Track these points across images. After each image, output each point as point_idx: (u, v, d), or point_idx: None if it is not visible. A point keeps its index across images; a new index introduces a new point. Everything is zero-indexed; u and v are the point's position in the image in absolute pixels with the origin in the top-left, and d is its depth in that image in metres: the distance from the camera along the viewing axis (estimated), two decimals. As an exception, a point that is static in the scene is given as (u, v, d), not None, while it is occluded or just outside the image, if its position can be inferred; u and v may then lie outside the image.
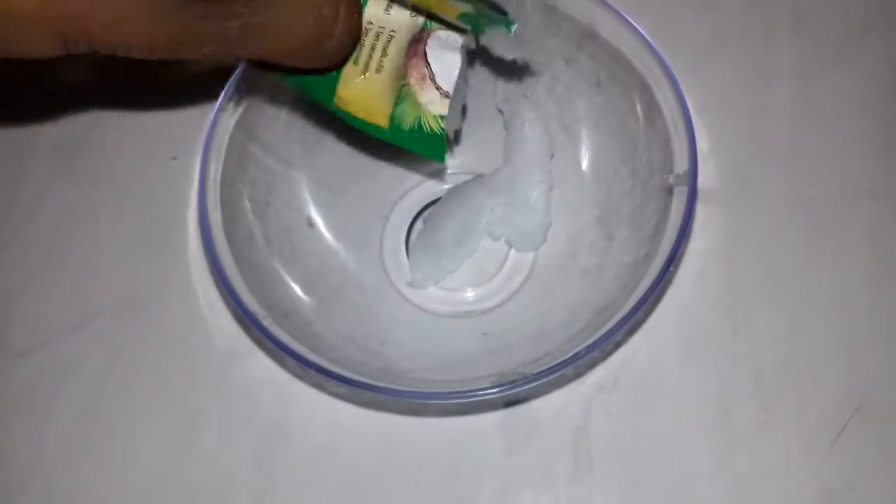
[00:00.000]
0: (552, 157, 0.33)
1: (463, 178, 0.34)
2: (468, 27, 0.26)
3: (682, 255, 0.33)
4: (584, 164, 0.33)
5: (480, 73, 0.33)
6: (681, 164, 0.27)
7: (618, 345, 0.32)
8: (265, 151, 0.30)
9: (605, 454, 0.30)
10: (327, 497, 0.30)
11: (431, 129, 0.27)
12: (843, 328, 0.31)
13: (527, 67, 0.32)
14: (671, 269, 0.25)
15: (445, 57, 0.26)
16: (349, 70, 0.26)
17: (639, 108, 0.29)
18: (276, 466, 0.31)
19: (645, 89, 0.28)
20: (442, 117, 0.27)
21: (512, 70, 0.33)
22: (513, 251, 0.33)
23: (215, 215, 0.27)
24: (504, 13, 0.27)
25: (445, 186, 0.34)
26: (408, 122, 0.27)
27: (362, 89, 0.26)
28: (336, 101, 0.26)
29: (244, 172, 0.29)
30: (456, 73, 0.26)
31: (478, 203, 0.33)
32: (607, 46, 0.29)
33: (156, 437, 0.31)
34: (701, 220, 0.33)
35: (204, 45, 0.20)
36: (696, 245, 0.33)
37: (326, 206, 0.33)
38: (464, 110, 0.31)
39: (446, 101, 0.26)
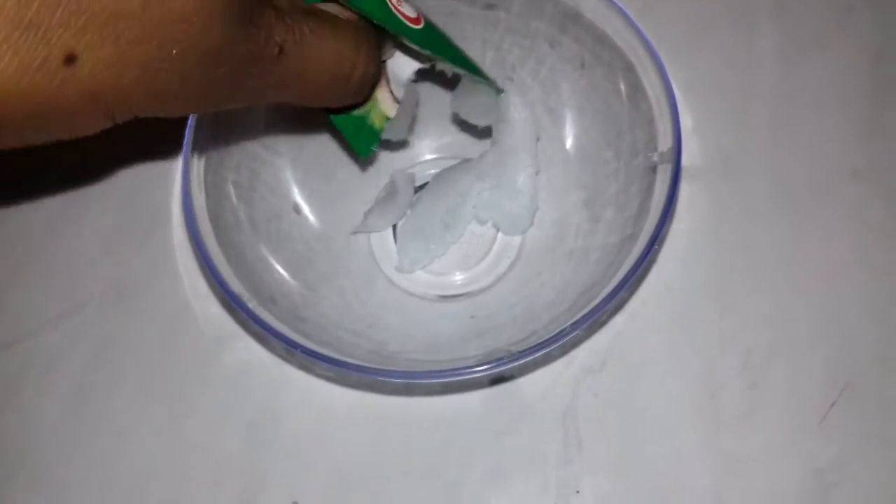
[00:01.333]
0: (538, 140, 0.33)
1: (450, 162, 0.34)
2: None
3: (667, 235, 0.33)
4: (570, 147, 0.33)
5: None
6: (664, 143, 0.27)
7: (605, 326, 0.32)
8: (250, 138, 0.30)
9: (594, 435, 0.30)
10: (316, 482, 0.30)
11: (373, 124, 0.27)
12: (829, 308, 0.32)
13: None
14: (655, 246, 0.25)
15: (403, 68, 0.27)
16: None
17: (623, 88, 0.29)
18: (264, 452, 0.31)
19: (629, 70, 0.28)
20: (387, 118, 0.27)
21: (497, 55, 0.33)
22: (500, 235, 0.33)
23: (199, 201, 0.27)
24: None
25: (433, 171, 0.34)
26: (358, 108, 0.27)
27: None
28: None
29: (229, 158, 0.29)
30: (408, 75, 0.27)
31: (464, 187, 0.33)
32: (591, 28, 0.29)
33: (145, 425, 0.31)
34: (687, 201, 0.33)
35: (236, 102, 0.21)
36: (682, 226, 0.33)
37: (313, 191, 0.33)
38: (411, 126, 0.32)
39: (395, 107, 0.27)
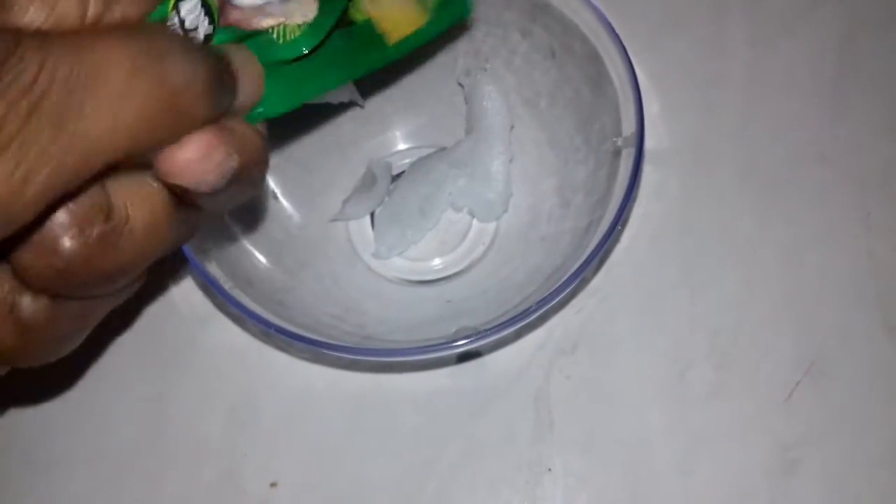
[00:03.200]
0: (512, 128, 0.33)
1: (426, 151, 0.35)
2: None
3: (637, 219, 0.33)
4: (543, 135, 0.33)
5: (440, 48, 0.34)
6: (628, 128, 0.27)
7: (577, 310, 0.32)
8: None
9: (565, 416, 0.31)
10: (294, 462, 0.31)
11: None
12: (794, 288, 0.32)
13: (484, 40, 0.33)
14: (619, 227, 0.26)
15: None
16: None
17: (591, 76, 0.30)
18: (244, 432, 0.31)
19: (596, 57, 0.29)
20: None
21: (470, 45, 0.33)
22: (475, 221, 0.34)
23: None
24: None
25: (409, 160, 0.35)
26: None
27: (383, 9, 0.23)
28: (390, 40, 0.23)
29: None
30: None
31: (440, 175, 0.33)
32: (560, 17, 0.30)
33: (128, 407, 0.32)
34: (656, 185, 0.34)
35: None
36: (651, 209, 0.34)
37: (291, 179, 0.33)
38: None
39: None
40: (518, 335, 0.32)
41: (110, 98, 0.14)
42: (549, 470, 0.30)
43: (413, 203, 0.33)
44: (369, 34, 0.23)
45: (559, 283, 0.25)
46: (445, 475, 0.30)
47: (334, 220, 0.34)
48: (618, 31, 0.29)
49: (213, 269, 0.27)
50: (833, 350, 0.31)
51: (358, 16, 0.23)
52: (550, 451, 0.31)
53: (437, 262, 0.34)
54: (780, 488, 0.30)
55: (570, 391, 0.31)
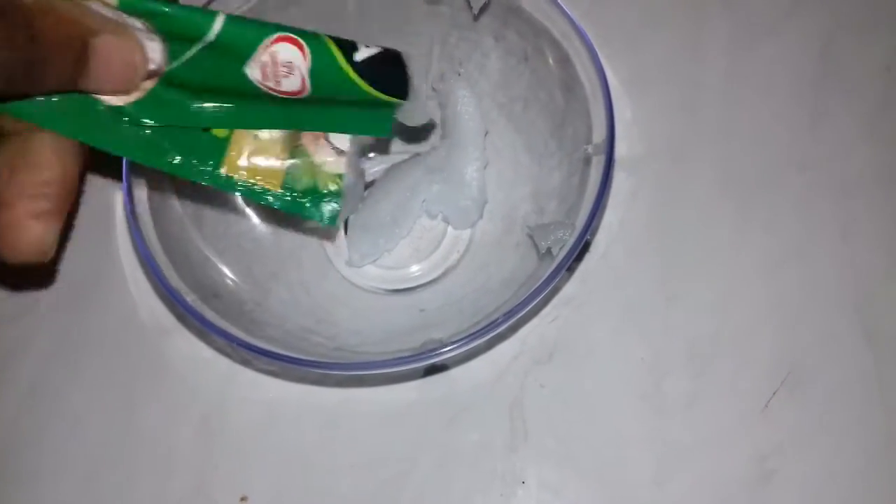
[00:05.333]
0: (486, 134, 0.33)
1: (401, 157, 0.34)
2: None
3: (612, 225, 0.33)
4: (518, 140, 0.33)
5: (414, 52, 0.33)
6: (599, 135, 0.27)
7: (553, 318, 0.32)
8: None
9: (540, 425, 0.31)
10: (264, 476, 0.30)
11: (329, 189, 0.26)
12: (773, 296, 0.32)
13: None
14: (588, 237, 0.25)
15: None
16: (238, 133, 0.24)
17: (563, 80, 0.29)
18: (214, 446, 0.31)
19: (567, 62, 0.29)
20: (341, 176, 0.26)
21: (444, 49, 0.33)
22: (450, 228, 0.34)
23: (141, 197, 0.27)
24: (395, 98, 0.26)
25: (383, 167, 0.34)
26: (302, 182, 0.25)
27: (256, 149, 0.25)
28: (226, 169, 0.24)
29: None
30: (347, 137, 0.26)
31: (413, 182, 0.33)
32: (532, 21, 0.30)
33: (98, 420, 0.31)
34: (632, 192, 0.34)
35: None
36: (627, 216, 0.33)
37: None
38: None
39: (342, 158, 0.26)
40: (492, 345, 0.31)
41: None
42: (523, 482, 0.30)
43: (386, 210, 0.33)
44: (214, 146, 0.24)
45: (527, 294, 0.25)
46: (419, 488, 0.30)
47: (306, 228, 0.33)
48: (594, 35, 0.28)
49: (177, 281, 0.26)
50: (811, 358, 0.31)
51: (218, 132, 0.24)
52: (525, 461, 0.30)
53: (411, 270, 0.33)
54: (756, 498, 0.29)
55: (546, 401, 0.31)
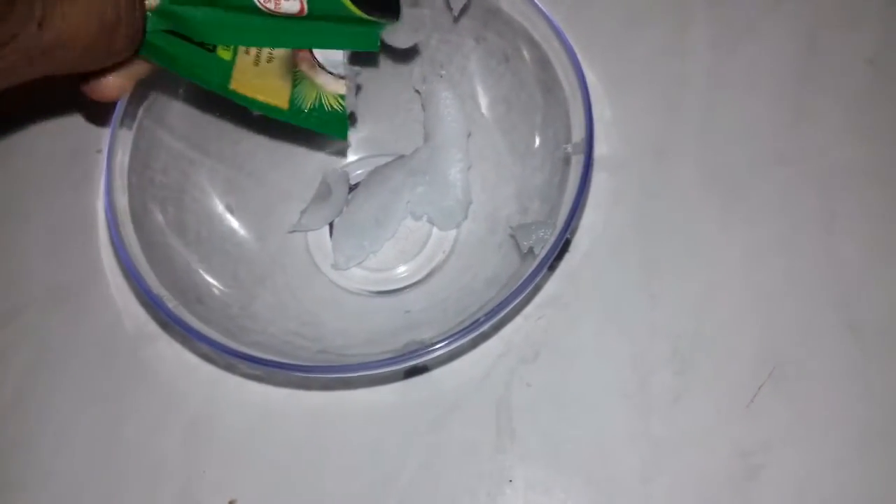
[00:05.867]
0: (469, 135, 0.33)
1: (384, 159, 0.34)
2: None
3: (596, 224, 0.33)
4: (501, 141, 0.33)
5: (396, 55, 0.33)
6: (578, 134, 0.27)
7: (539, 317, 0.32)
8: (177, 139, 0.30)
9: (526, 424, 0.31)
10: (253, 480, 0.30)
11: (332, 108, 0.27)
12: (756, 292, 0.32)
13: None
14: (567, 235, 0.25)
15: (329, 52, 0.28)
16: (242, 59, 0.26)
17: (543, 81, 0.30)
18: (202, 451, 0.31)
19: (546, 62, 0.29)
20: (342, 96, 0.27)
21: (425, 52, 0.33)
22: (435, 229, 0.34)
23: (122, 203, 0.27)
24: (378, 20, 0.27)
25: (367, 169, 0.34)
26: (308, 102, 0.27)
27: (257, 75, 0.26)
28: (232, 85, 0.26)
29: (155, 160, 0.30)
30: (340, 57, 0.27)
31: (397, 184, 0.33)
32: (511, 22, 0.30)
33: (83, 426, 0.31)
34: (615, 190, 0.34)
35: (8, 70, 0.20)
36: (611, 214, 0.33)
37: (246, 191, 0.33)
38: (357, 91, 0.32)
39: (341, 82, 0.27)
40: (477, 344, 0.32)
41: None
42: (510, 481, 0.30)
43: (370, 213, 0.33)
44: (218, 65, 0.26)
45: (509, 293, 0.25)
46: (406, 489, 0.30)
47: (292, 231, 0.33)
48: (576, 36, 0.28)
49: (158, 288, 0.26)
50: (796, 353, 0.31)
51: (223, 54, 0.26)
52: (512, 460, 0.30)
53: (396, 271, 0.33)
54: (742, 493, 0.29)
55: (532, 399, 0.31)
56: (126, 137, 0.28)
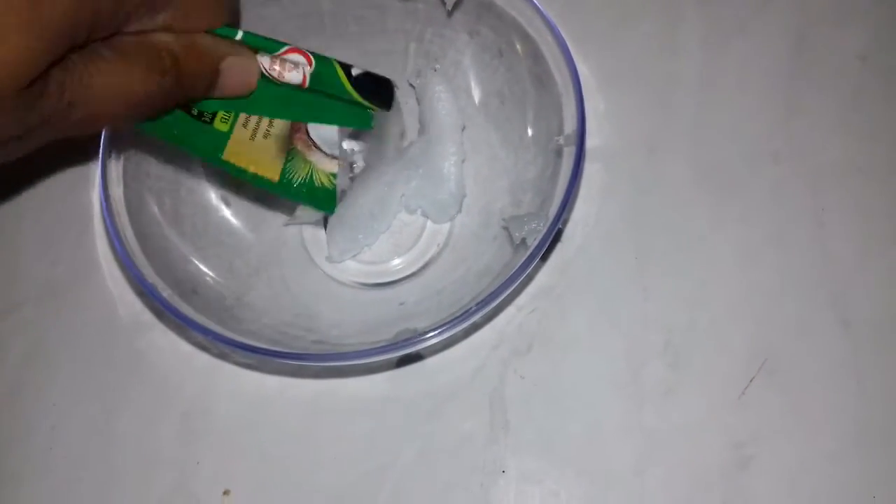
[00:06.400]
0: (464, 129, 0.33)
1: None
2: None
3: (590, 216, 0.33)
4: (495, 135, 0.33)
5: (391, 48, 0.33)
6: (570, 126, 0.27)
7: (532, 310, 0.32)
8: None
9: (520, 416, 0.31)
10: (247, 470, 0.31)
11: (322, 184, 0.30)
12: (749, 285, 0.32)
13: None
14: (560, 226, 0.26)
15: (323, 131, 0.29)
16: (239, 132, 0.27)
17: (536, 75, 0.30)
18: (196, 441, 0.31)
19: (539, 56, 0.29)
20: (333, 174, 0.29)
21: (420, 46, 0.33)
22: (429, 223, 0.34)
23: (117, 193, 0.27)
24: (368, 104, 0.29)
25: (362, 163, 0.35)
26: (298, 176, 0.29)
27: (252, 149, 0.28)
28: (225, 156, 0.27)
29: (151, 152, 0.30)
30: (336, 138, 0.29)
31: (392, 177, 0.33)
32: (504, 16, 0.30)
33: (78, 419, 0.32)
34: (609, 184, 0.34)
35: (26, 150, 0.21)
36: (605, 207, 0.33)
37: (242, 183, 0.33)
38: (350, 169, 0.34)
39: (335, 161, 0.29)
40: (470, 335, 0.32)
41: None
42: (503, 472, 0.30)
43: (364, 206, 0.33)
44: (213, 137, 0.27)
45: (500, 284, 0.25)
46: (400, 479, 0.30)
47: (287, 224, 0.34)
48: (570, 31, 0.29)
49: (153, 277, 0.26)
50: (787, 346, 0.31)
51: (221, 126, 0.27)
52: (505, 452, 0.30)
53: (390, 264, 0.34)
54: (734, 485, 0.29)
55: (526, 391, 0.31)
56: (123, 131, 0.28)
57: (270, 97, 0.27)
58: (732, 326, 0.32)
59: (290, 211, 0.34)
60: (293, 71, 0.26)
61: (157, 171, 0.30)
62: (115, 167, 0.28)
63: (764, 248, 0.33)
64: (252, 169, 0.28)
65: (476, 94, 0.33)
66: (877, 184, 0.34)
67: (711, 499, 0.29)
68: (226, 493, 0.30)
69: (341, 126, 0.29)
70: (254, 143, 0.28)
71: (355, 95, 0.28)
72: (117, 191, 0.27)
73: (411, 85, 0.34)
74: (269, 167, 0.28)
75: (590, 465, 0.30)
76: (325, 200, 0.30)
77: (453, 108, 0.33)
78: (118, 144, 0.28)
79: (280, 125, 0.28)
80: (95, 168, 0.27)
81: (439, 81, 0.33)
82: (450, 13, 0.31)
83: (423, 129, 0.33)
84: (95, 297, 0.33)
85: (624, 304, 0.32)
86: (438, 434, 0.31)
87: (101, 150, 0.28)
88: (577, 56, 0.28)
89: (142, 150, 0.29)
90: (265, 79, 0.26)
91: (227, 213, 0.32)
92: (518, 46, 0.30)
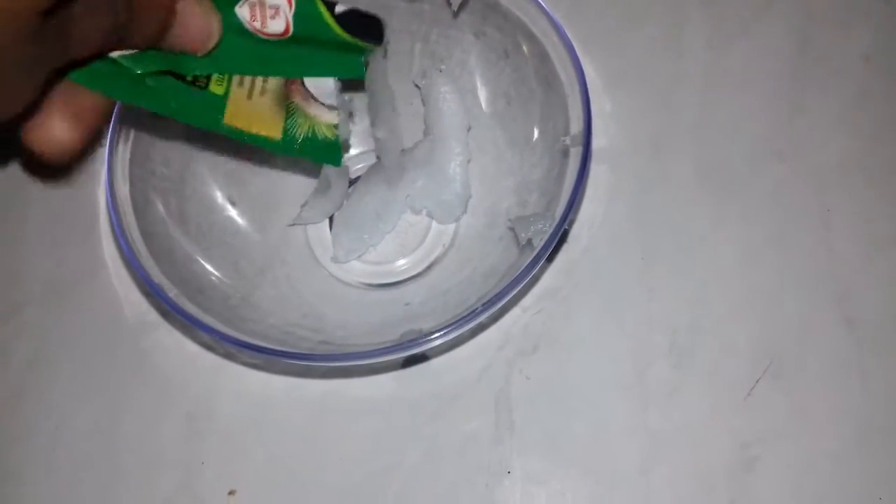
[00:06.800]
0: (469, 129, 0.33)
1: (384, 153, 0.34)
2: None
3: (596, 217, 0.33)
4: (501, 135, 0.33)
5: (396, 50, 0.33)
6: (576, 127, 0.27)
7: (538, 311, 0.32)
8: (179, 131, 0.31)
9: (525, 416, 0.31)
10: (252, 470, 0.31)
11: (325, 137, 0.28)
12: (753, 285, 0.32)
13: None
14: (566, 226, 0.26)
15: (320, 82, 0.28)
16: (235, 93, 0.26)
17: (542, 75, 0.30)
18: (201, 442, 0.31)
19: (545, 56, 0.29)
20: (335, 125, 0.28)
21: (425, 47, 0.33)
22: (435, 223, 0.34)
23: (123, 192, 0.27)
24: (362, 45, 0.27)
25: (368, 163, 0.35)
26: (301, 131, 0.28)
27: (251, 108, 0.27)
28: (226, 120, 0.26)
29: (156, 151, 0.30)
30: (333, 88, 0.28)
31: (397, 178, 0.33)
32: (511, 17, 0.30)
33: (82, 419, 0.32)
34: (614, 184, 0.34)
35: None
36: (611, 208, 0.33)
37: (247, 183, 0.33)
38: (350, 118, 0.32)
39: (335, 112, 0.28)
40: (476, 336, 0.32)
41: None
42: (509, 472, 0.30)
43: (370, 206, 0.33)
44: (211, 102, 0.26)
45: (506, 285, 0.25)
46: (406, 480, 0.30)
47: (292, 224, 0.34)
48: (576, 32, 0.29)
49: (159, 277, 0.26)
50: (792, 347, 0.31)
51: (216, 89, 0.26)
52: (511, 452, 0.30)
53: (396, 264, 0.34)
54: (739, 485, 0.29)
55: (531, 392, 0.31)
56: (128, 129, 0.28)
57: (255, 54, 0.26)
58: (737, 327, 0.32)
59: (295, 210, 0.34)
60: (275, 18, 0.25)
61: (162, 170, 0.30)
62: (121, 166, 0.28)
63: (768, 249, 0.33)
64: (254, 129, 0.27)
65: (482, 95, 0.33)
66: (880, 184, 0.34)
67: (716, 499, 0.29)
68: (231, 493, 0.30)
69: (332, 77, 0.28)
70: (251, 101, 0.27)
71: (342, 34, 0.27)
72: (123, 190, 0.27)
73: (417, 85, 0.34)
74: (270, 125, 0.27)
75: (595, 466, 0.30)
76: (330, 153, 0.28)
77: (459, 109, 0.33)
78: (124, 143, 0.28)
79: (275, 82, 0.27)
80: (101, 167, 0.27)
81: (445, 82, 0.33)
82: (455, 14, 0.31)
83: (428, 130, 0.33)
84: (101, 296, 0.33)
85: (629, 305, 0.32)
86: (444, 434, 0.31)
87: (106, 149, 0.28)
88: (582, 57, 0.28)
89: (147, 149, 0.29)
90: (247, 35, 0.25)
91: (232, 212, 0.32)
92: (524, 47, 0.30)
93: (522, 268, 0.25)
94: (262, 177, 0.34)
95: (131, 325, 0.32)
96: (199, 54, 0.24)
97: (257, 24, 0.25)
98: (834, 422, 0.30)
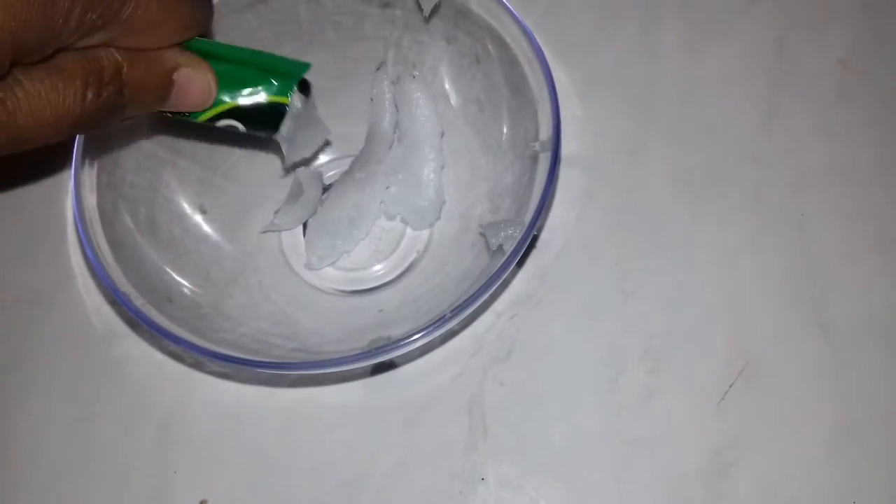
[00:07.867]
0: (443, 135, 0.33)
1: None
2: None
3: (569, 222, 0.33)
4: (474, 141, 0.33)
5: (369, 55, 0.33)
6: (545, 132, 0.27)
7: (511, 316, 0.32)
8: (150, 140, 0.30)
9: (499, 422, 0.31)
10: (224, 479, 0.30)
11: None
12: (728, 290, 0.32)
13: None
14: (535, 231, 0.26)
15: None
16: None
17: (513, 81, 0.30)
18: (173, 451, 0.31)
19: (516, 62, 0.29)
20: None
21: (398, 52, 0.33)
22: (409, 229, 0.34)
23: (90, 200, 0.27)
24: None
25: (341, 169, 0.34)
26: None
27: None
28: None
29: (126, 159, 0.30)
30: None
31: (370, 183, 0.33)
32: (481, 23, 0.30)
33: (55, 427, 0.31)
34: (588, 190, 0.34)
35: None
36: (584, 213, 0.33)
37: (219, 191, 0.33)
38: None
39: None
40: (449, 342, 0.32)
41: None
42: (483, 479, 0.30)
43: (343, 212, 0.33)
44: None
45: (475, 291, 0.25)
46: (379, 488, 0.30)
47: (265, 231, 0.34)
48: (549, 37, 0.29)
49: (125, 286, 0.26)
50: (767, 351, 0.31)
51: None
52: (485, 459, 0.30)
53: (370, 271, 0.33)
54: (713, 490, 0.29)
55: (505, 398, 0.31)
56: (97, 136, 0.28)
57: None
58: (712, 331, 0.32)
59: (268, 217, 0.34)
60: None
61: (132, 177, 0.30)
62: (89, 175, 0.28)
63: (744, 253, 0.33)
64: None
65: (454, 101, 0.33)
66: (857, 188, 0.34)
67: (691, 505, 0.29)
68: (203, 502, 0.30)
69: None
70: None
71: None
72: (91, 199, 0.27)
73: (390, 92, 0.34)
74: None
75: (569, 472, 0.30)
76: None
77: (432, 115, 0.33)
78: (92, 152, 0.28)
79: None
80: (70, 176, 0.26)
81: (418, 88, 0.33)
82: (427, 19, 0.31)
83: (402, 136, 0.33)
84: (70, 306, 0.33)
85: (604, 310, 0.32)
86: (417, 441, 0.31)
87: (73, 159, 0.27)
88: (556, 61, 0.28)
89: (116, 158, 0.29)
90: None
91: (203, 220, 0.32)
92: (494, 53, 0.30)
93: (492, 273, 0.25)
94: (234, 183, 0.33)
95: (100, 334, 0.32)
96: (200, 109, 0.25)
97: None
98: (808, 426, 0.30)
